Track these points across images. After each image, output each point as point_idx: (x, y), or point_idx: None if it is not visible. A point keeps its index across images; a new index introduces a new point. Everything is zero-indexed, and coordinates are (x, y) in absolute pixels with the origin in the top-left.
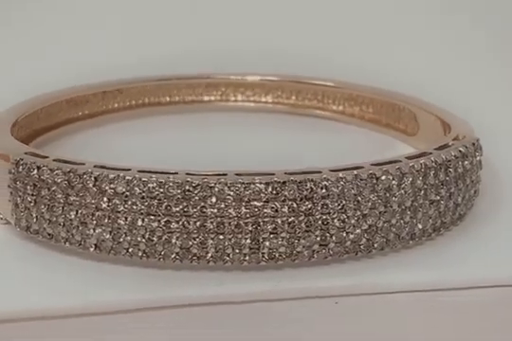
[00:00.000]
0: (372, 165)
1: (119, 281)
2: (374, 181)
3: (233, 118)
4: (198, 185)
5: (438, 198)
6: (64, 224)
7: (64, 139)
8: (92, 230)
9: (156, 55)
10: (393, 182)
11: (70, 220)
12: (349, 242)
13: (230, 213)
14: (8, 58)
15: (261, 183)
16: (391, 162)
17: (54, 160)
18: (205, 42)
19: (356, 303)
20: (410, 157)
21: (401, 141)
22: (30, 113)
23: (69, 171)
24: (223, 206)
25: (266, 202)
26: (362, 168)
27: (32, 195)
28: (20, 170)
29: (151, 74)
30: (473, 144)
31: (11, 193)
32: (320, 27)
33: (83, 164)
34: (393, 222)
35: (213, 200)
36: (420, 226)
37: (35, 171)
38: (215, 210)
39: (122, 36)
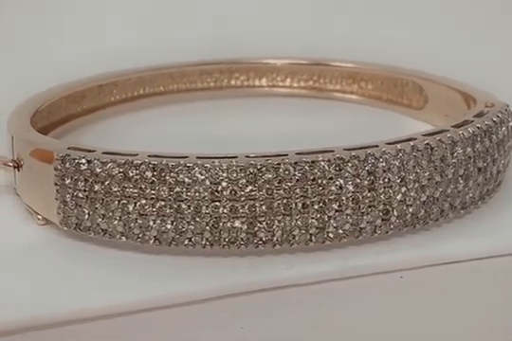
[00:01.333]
0: (424, 135)
1: (184, 273)
2: (430, 151)
3: (230, 104)
4: (263, 166)
5: (485, 165)
6: (120, 218)
7: (69, 137)
8: (152, 222)
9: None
10: (447, 151)
11: (128, 213)
12: (409, 215)
13: (297, 193)
14: None
15: (323, 160)
16: (439, 132)
17: (104, 153)
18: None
19: (421, 277)
20: (455, 126)
21: (408, 116)
22: (38, 111)
23: (125, 163)
24: (289, 185)
25: (331, 179)
26: (416, 139)
27: (84, 191)
28: (67, 165)
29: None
30: (506, 110)
31: (58, 191)
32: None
33: (137, 154)
34: (449, 191)
35: (280, 181)
36: (471, 195)
37: (85, 166)
38: (282, 191)
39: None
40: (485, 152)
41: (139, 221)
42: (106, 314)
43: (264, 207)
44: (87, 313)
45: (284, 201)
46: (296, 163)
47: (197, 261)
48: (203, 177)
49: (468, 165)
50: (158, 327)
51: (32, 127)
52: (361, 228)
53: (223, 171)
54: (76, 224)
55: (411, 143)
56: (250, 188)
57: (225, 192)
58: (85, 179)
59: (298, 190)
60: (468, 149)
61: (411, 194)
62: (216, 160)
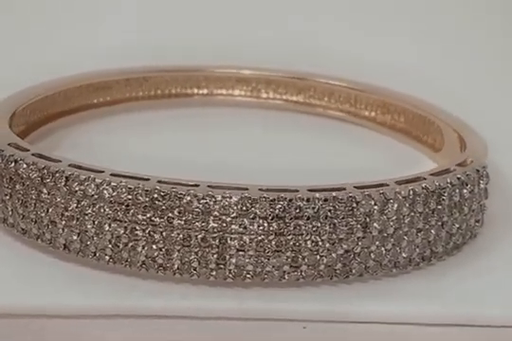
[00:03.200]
0: (355, 187)
1: (80, 284)
2: (354, 205)
3: (259, 116)
4: (167, 194)
5: (427, 227)
6: (35, 221)
7: (78, 126)
8: (61, 230)
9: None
10: (375, 207)
11: (41, 217)
12: (323, 266)
13: (197, 226)
14: (23, 39)
15: (231, 198)
16: (376, 186)
17: (33, 154)
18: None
19: (326, 330)
20: (399, 182)
21: (427, 156)
22: (45, 96)
23: (43, 168)
24: (190, 218)
25: (235, 218)
26: (343, 189)
27: (8, 188)
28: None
29: (177, 63)
30: (477, 171)
31: None
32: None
33: (60, 161)
34: (373, 248)
35: (181, 211)
36: (405, 255)
37: (12, 165)
38: (182, 222)
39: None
40: (430, 214)
41: (50, 227)
42: None
43: (163, 234)
44: None
45: (184, 231)
46: (201, 196)
47: (101, 276)
48: (108, 195)
49: (402, 224)
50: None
51: (43, 112)
52: (267, 271)
53: (128, 193)
54: (3, 218)
55: (334, 193)
56: (152, 212)
57: (127, 213)
58: (10, 177)
59: (198, 223)
60: (404, 208)
61: (326, 245)
62: (124, 180)
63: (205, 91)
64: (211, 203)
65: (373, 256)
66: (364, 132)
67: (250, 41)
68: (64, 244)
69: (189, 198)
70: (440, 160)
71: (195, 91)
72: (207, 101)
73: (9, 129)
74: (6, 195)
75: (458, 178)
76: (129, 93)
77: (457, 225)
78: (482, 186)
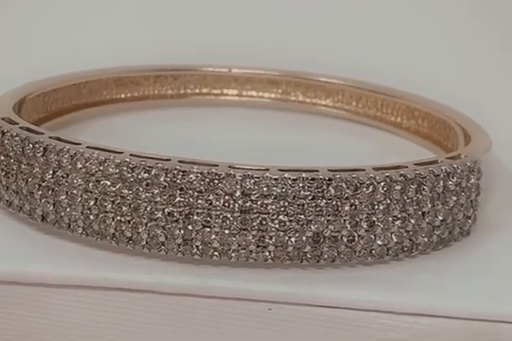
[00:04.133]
0: (328, 170)
1: (51, 255)
2: (325, 187)
3: (287, 118)
4: (135, 167)
5: (404, 215)
6: (17, 192)
7: (101, 118)
8: (38, 201)
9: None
10: (347, 190)
11: (21, 188)
12: (291, 248)
13: (164, 200)
14: (52, 30)
15: (198, 173)
16: (352, 170)
17: (20, 127)
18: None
19: (291, 313)
20: (377, 168)
21: None
22: (68, 85)
23: (25, 139)
24: (157, 191)
25: (201, 193)
26: (316, 171)
27: None
28: None
29: (206, 63)
30: (467, 165)
31: None
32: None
33: (42, 134)
34: (344, 233)
35: (148, 184)
36: (379, 243)
37: None
38: (149, 195)
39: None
40: (408, 202)
41: (29, 197)
42: None
43: (131, 207)
44: None
45: (151, 205)
46: (168, 170)
47: (73, 248)
48: (80, 166)
49: (376, 211)
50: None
51: (66, 102)
52: (234, 250)
53: (100, 164)
54: None
55: (304, 174)
56: (120, 184)
57: (97, 185)
58: None
59: (165, 197)
60: (378, 194)
61: (293, 226)
62: (97, 152)
63: (234, 92)
64: (179, 177)
65: (344, 240)
66: (389, 136)
67: (276, 43)
68: (42, 215)
69: (156, 171)
70: None
71: (224, 91)
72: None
73: (10, 106)
74: None
75: (442, 169)
76: (157, 90)
77: (440, 218)
78: (472, 180)
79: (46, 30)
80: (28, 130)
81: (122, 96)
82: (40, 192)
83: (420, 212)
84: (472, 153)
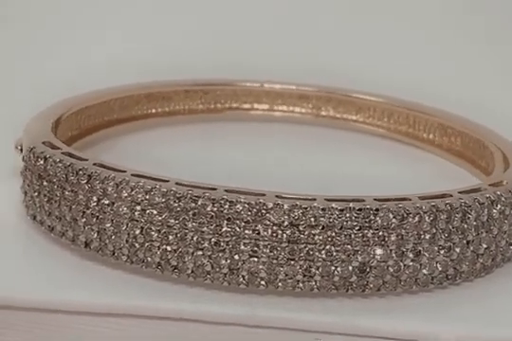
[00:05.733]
0: (374, 200)
1: (95, 282)
2: (372, 217)
3: (317, 134)
4: (182, 196)
5: (450, 244)
6: (60, 218)
7: (133, 135)
8: (82, 227)
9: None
10: (393, 220)
11: (64, 215)
12: (337, 278)
13: (210, 229)
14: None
15: (246, 203)
16: (397, 199)
17: (62, 153)
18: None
19: None
20: (423, 197)
21: (480, 180)
22: (100, 102)
23: (69, 165)
24: (204, 221)
25: (248, 223)
26: (362, 201)
27: (36, 185)
28: (31, 158)
29: (237, 77)
30: (510, 192)
31: (23, 181)
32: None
33: (86, 160)
34: (391, 263)
35: (195, 213)
36: (425, 272)
37: (42, 161)
38: (196, 224)
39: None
40: (453, 231)
41: (72, 224)
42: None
43: (178, 236)
44: None
45: (198, 234)
46: (215, 200)
47: (118, 275)
48: (126, 195)
49: (422, 240)
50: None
51: (98, 118)
52: (281, 280)
53: (146, 193)
54: (33, 215)
55: (351, 204)
56: (167, 214)
57: (143, 214)
58: (39, 174)
59: (212, 227)
60: (425, 224)
61: (340, 256)
62: (143, 180)
63: (265, 106)
64: (226, 207)
65: (390, 270)
66: (421, 153)
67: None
68: (85, 242)
69: (203, 201)
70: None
71: (255, 106)
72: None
73: (49, 129)
74: (35, 192)
75: (487, 197)
76: (188, 105)
77: (484, 246)
78: None
79: (71, 45)
80: (71, 155)
81: (153, 111)
82: (84, 219)
83: (465, 241)
84: None
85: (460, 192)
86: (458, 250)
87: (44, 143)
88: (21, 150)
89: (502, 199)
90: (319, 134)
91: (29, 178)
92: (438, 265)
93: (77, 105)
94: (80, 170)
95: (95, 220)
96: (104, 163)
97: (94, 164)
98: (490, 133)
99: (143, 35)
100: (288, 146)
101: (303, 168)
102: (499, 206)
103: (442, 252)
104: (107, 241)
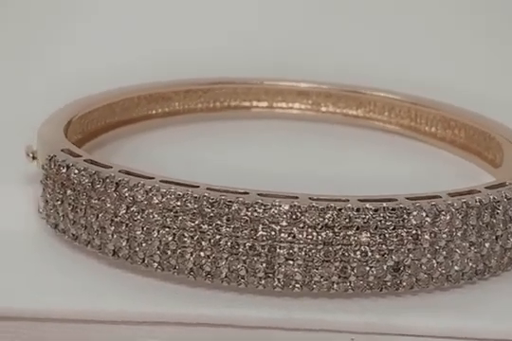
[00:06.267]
0: (406, 198)
1: (130, 291)
2: (405, 216)
3: (318, 130)
4: (215, 201)
5: (480, 240)
6: (85, 227)
7: (135, 136)
8: (110, 236)
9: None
10: (427, 219)
11: (91, 223)
12: (372, 278)
13: (246, 234)
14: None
15: (280, 206)
16: (429, 197)
17: (85, 160)
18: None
19: None
20: (452, 194)
21: (487, 172)
22: (103, 105)
23: (94, 174)
24: (238, 225)
25: (284, 226)
26: (395, 200)
27: (60, 194)
28: (52, 166)
29: (237, 76)
30: None
31: (43, 189)
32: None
33: (111, 167)
34: (424, 261)
35: (229, 218)
36: (457, 268)
37: (64, 170)
38: (230, 229)
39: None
40: (483, 227)
41: (100, 232)
42: (32, 317)
43: (211, 242)
44: (20, 311)
45: (232, 239)
46: (250, 204)
47: (149, 283)
48: (157, 201)
49: (454, 237)
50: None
51: (101, 122)
52: (316, 282)
53: (177, 199)
54: (54, 224)
55: (385, 204)
56: (200, 219)
57: (175, 220)
58: (62, 183)
59: (246, 231)
60: (457, 221)
61: (375, 256)
62: (173, 186)
63: (265, 104)
64: (260, 211)
65: (424, 268)
66: (424, 147)
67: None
68: (114, 250)
69: (237, 206)
70: (500, 176)
71: (254, 104)
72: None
73: (63, 135)
74: (57, 201)
75: None
76: (188, 104)
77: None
78: None
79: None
80: (94, 163)
81: (154, 112)
82: (112, 227)
83: (494, 236)
84: None
85: (487, 188)
86: (487, 245)
87: (63, 151)
88: (33, 157)
89: None
90: (319, 130)
91: (51, 187)
92: (469, 261)
93: (83, 109)
94: (106, 177)
95: (124, 227)
96: (130, 170)
97: (119, 171)
98: (496, 124)
99: (140, 37)
100: (289, 143)
101: (306, 165)
102: None
103: (473, 248)
104: (137, 248)
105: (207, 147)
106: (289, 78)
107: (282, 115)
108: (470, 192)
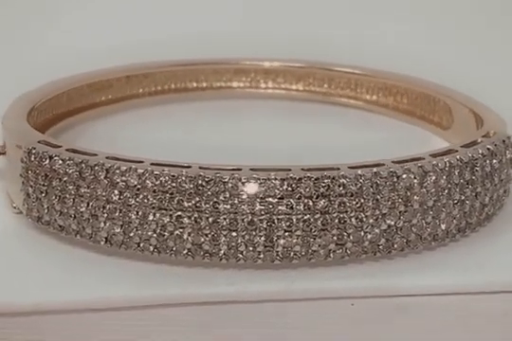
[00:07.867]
0: (393, 162)
1: (128, 277)
2: (395, 179)
3: (262, 106)
4: (211, 179)
5: (463, 198)
6: (74, 216)
7: (86, 125)
8: (103, 223)
9: (178, 38)
10: (415, 180)
11: (81, 212)
12: (367, 243)
13: (244, 210)
14: (20, 42)
15: (276, 179)
16: (413, 159)
17: (67, 150)
18: (229, 25)
19: (374, 306)
20: (434, 155)
21: (436, 135)
22: (51, 97)
23: (81, 162)
24: (236, 201)
25: (281, 198)
26: (383, 165)
27: (43, 186)
28: (32, 159)
29: (175, 58)
30: (503, 141)
31: (23, 183)
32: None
33: (96, 155)
34: (414, 222)
35: (226, 195)
36: (443, 227)
37: (47, 161)
38: (228, 206)
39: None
40: (465, 185)
41: (91, 221)
42: (34, 311)
43: (210, 220)
44: (21, 307)
45: (231, 216)
46: (246, 179)
47: (145, 267)
48: (151, 184)
49: (441, 196)
50: (89, 327)
51: (48, 114)
52: (314, 251)
53: (172, 181)
54: (38, 217)
55: (375, 169)
56: (197, 199)
57: (172, 201)
58: (45, 174)
59: (244, 207)
60: (442, 180)
61: (370, 221)
62: (166, 168)
63: (204, 84)
64: (257, 185)
65: (414, 229)
66: (368, 115)
67: (242, 31)
68: (106, 238)
69: (234, 182)
70: (451, 137)
71: (194, 85)
72: (208, 94)
73: (31, 128)
74: (41, 193)
75: (488, 149)
76: (129, 90)
77: (489, 196)
78: (508, 156)
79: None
80: (76, 152)
81: (97, 100)
82: (105, 215)
83: (474, 193)
84: (500, 130)
85: (463, 147)
86: (469, 202)
87: (39, 142)
88: (1, 152)
89: (499, 149)
90: (260, 107)
91: (33, 179)
92: (453, 219)
93: (34, 101)
94: (95, 165)
95: (117, 214)
96: (117, 156)
97: (107, 157)
98: (441, 87)
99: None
100: (233, 118)
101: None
102: (497, 155)
103: (456, 206)
104: (132, 233)
105: (156, 129)
106: (225, 57)
107: (222, 93)
108: (449, 152)
